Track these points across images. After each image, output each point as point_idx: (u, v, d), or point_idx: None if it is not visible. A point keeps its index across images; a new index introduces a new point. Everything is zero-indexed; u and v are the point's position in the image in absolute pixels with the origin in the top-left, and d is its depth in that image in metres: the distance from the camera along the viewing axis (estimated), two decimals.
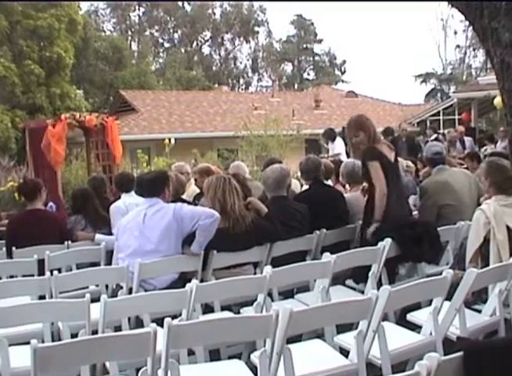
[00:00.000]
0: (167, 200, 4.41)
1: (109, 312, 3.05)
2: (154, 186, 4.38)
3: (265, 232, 4.43)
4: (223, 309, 3.81)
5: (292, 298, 4.20)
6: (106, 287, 4.38)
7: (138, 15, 43.84)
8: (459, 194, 5.23)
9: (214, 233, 4.16)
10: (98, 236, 5.39)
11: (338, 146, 11.67)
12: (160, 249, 4.15)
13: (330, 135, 12.26)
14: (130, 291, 4.01)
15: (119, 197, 5.87)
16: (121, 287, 4.11)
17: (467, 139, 13.26)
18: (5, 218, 7.32)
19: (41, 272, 4.32)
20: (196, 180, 6.34)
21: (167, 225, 4.15)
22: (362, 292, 4.13)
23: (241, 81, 47.06)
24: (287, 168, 5.05)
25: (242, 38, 45.61)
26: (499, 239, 3.76)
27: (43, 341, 3.33)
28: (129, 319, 3.59)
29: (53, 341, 3.47)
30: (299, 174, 5.68)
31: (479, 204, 4.73)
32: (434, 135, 14.59)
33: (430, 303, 3.29)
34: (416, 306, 3.61)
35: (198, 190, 6.17)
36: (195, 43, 45.56)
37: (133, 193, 5.87)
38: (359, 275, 4.33)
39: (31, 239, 4.92)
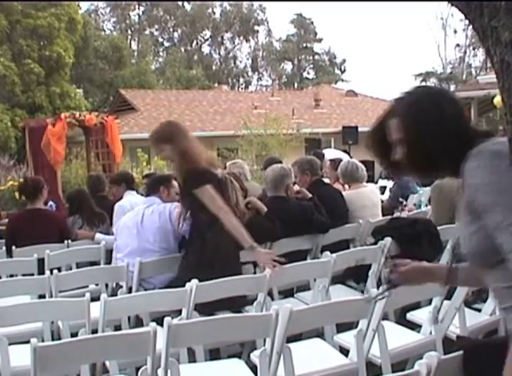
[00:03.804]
0: (170, 200, 4.43)
1: (108, 311, 3.05)
2: (151, 184, 4.47)
3: (264, 231, 4.43)
4: None
5: (292, 297, 4.20)
6: (106, 286, 4.38)
7: (138, 14, 43.84)
8: None
9: None
10: (98, 236, 5.39)
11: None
12: (158, 248, 4.17)
13: None
14: (130, 290, 4.01)
15: (120, 198, 5.86)
16: (121, 287, 4.11)
17: None
18: (5, 218, 7.33)
19: (41, 272, 4.32)
20: None
21: (163, 225, 4.17)
22: (362, 291, 4.13)
23: (241, 80, 47.07)
24: (288, 168, 5.04)
25: (242, 37, 45.61)
26: None
27: (43, 340, 3.33)
28: (129, 318, 3.60)
29: (53, 340, 3.47)
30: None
31: None
32: None
33: (430, 302, 3.30)
34: (416, 305, 3.61)
35: None
36: (195, 42, 45.57)
37: (135, 192, 5.89)
38: (359, 274, 4.33)
39: (31, 238, 4.92)
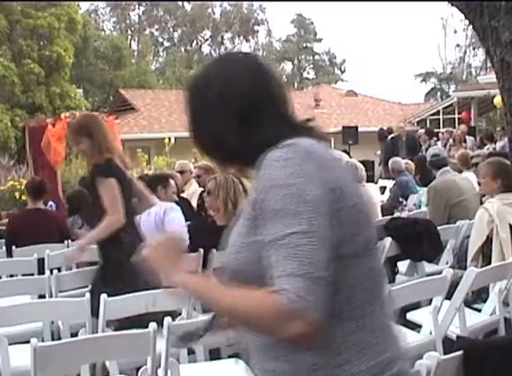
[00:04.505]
0: (167, 199, 4.44)
1: (109, 311, 3.05)
2: (149, 184, 4.53)
3: None
4: None
5: None
6: None
7: (138, 14, 43.82)
8: (467, 193, 5.27)
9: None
10: None
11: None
12: None
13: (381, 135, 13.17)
14: None
15: None
16: None
17: (469, 139, 13.30)
18: (5, 218, 7.33)
19: (41, 272, 4.32)
20: (199, 176, 6.34)
21: (158, 225, 4.20)
22: None
23: None
24: None
25: (242, 37, 45.59)
26: (502, 237, 3.77)
27: (43, 340, 3.32)
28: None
29: (53, 340, 3.47)
30: None
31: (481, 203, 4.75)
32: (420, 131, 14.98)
33: (430, 302, 3.30)
34: (416, 305, 3.61)
35: (199, 189, 6.17)
36: (195, 42, 45.54)
37: None
38: None
39: (31, 238, 4.92)
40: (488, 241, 3.86)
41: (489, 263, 3.72)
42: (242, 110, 1.30)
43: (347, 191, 1.22)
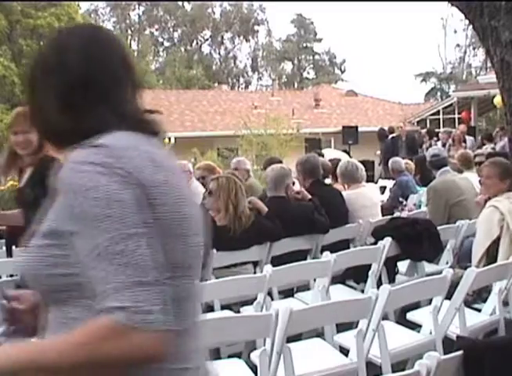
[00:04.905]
0: None
1: None
2: None
3: (265, 231, 4.43)
4: (223, 308, 3.80)
5: (292, 297, 4.20)
6: None
7: (138, 14, 43.89)
8: (467, 193, 5.28)
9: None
10: None
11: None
12: None
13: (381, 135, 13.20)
14: None
15: None
16: None
17: (468, 139, 13.31)
18: None
19: None
20: (203, 178, 6.33)
21: None
22: (362, 291, 4.13)
23: (241, 80, 47.10)
24: (288, 168, 5.04)
25: (242, 37, 45.64)
26: None
27: None
28: None
29: None
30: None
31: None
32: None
33: (430, 302, 3.30)
34: (416, 305, 3.61)
35: (199, 189, 6.17)
36: (195, 42, 45.60)
37: None
38: (359, 274, 4.33)
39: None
40: (495, 240, 3.87)
41: (493, 262, 3.73)
42: (65, 87, 1.15)
43: (165, 200, 1.10)
